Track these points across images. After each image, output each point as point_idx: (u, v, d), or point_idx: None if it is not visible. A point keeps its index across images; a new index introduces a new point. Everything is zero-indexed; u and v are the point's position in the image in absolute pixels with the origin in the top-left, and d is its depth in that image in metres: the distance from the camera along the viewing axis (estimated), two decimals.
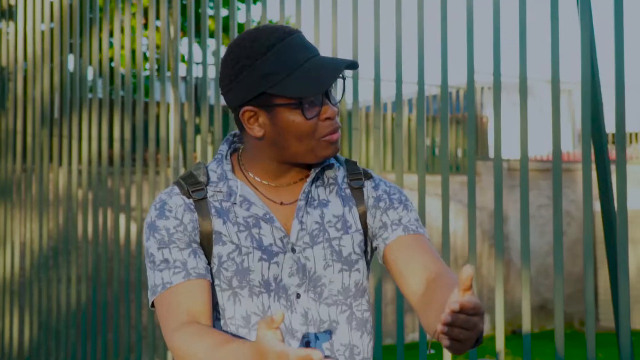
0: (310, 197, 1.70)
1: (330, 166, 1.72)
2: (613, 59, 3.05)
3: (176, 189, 1.68)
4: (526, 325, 2.99)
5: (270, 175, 1.69)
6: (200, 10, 9.33)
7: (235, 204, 1.66)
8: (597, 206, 10.88)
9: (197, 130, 7.55)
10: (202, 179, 1.68)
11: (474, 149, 3.19)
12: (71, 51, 5.09)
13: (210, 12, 10.63)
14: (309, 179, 1.69)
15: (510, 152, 16.06)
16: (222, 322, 1.66)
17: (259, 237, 1.65)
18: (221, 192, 1.67)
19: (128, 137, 4.50)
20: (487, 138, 12.12)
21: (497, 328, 3.08)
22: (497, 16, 3.08)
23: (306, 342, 1.66)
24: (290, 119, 1.60)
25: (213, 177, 1.69)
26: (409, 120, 10.49)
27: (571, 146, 16.43)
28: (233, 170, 1.71)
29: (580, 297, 10.85)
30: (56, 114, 4.94)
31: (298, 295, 1.66)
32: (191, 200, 1.66)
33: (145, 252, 1.68)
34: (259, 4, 9.23)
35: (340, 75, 1.63)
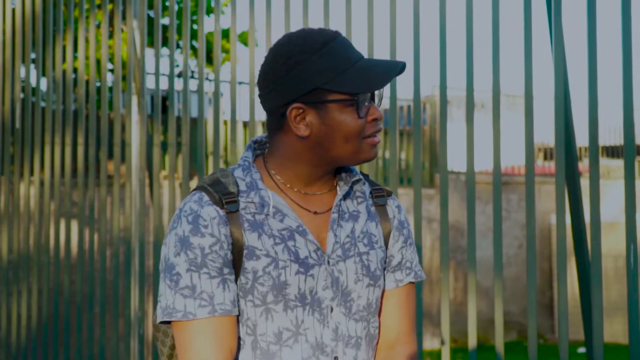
0: (341, 209, 1.68)
1: (358, 180, 1.71)
2: (585, 73, 3.10)
3: (206, 198, 1.60)
4: (499, 340, 3.00)
5: (301, 182, 1.65)
6: (163, 21, 9.29)
7: (268, 215, 1.61)
8: (553, 219, 11.00)
9: (164, 144, 7.48)
10: (233, 188, 1.61)
11: (445, 164, 3.19)
12: (33, 62, 5.00)
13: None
14: (340, 192, 1.67)
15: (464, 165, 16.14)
16: (252, 338, 1.61)
17: (295, 250, 1.61)
18: (253, 203, 1.61)
19: (91, 149, 4.43)
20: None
21: (469, 342, 3.08)
22: (470, 32, 3.10)
23: (335, 358, 1.63)
24: (341, 118, 1.58)
25: (242, 185, 1.63)
26: None
27: None
28: (262, 178, 1.65)
29: (537, 310, 10.96)
30: (18, 124, 4.85)
31: (331, 309, 1.63)
32: (224, 212, 1.59)
33: (165, 263, 1.59)
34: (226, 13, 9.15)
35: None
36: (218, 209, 1.59)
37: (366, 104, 1.60)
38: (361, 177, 1.71)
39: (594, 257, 2.77)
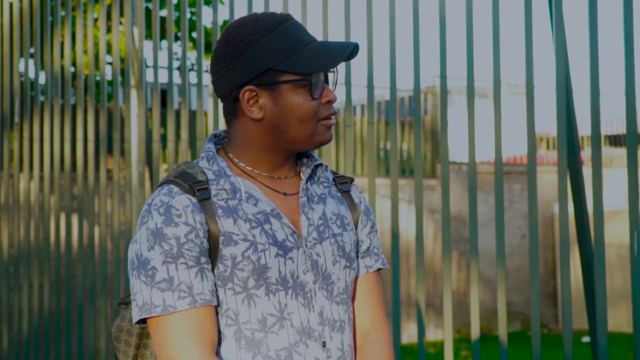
0: (310, 193, 1.67)
1: (320, 164, 1.71)
2: (587, 63, 3.10)
3: (176, 189, 1.57)
4: (502, 331, 2.98)
5: (264, 167, 1.64)
6: (161, 13, 9.25)
7: (242, 200, 1.59)
8: (555, 208, 11.00)
9: (164, 137, 7.47)
10: (201, 177, 1.58)
11: (446, 154, 3.18)
12: (32, 56, 4.98)
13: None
14: (304, 176, 1.66)
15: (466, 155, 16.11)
16: (234, 328, 1.57)
17: (272, 233, 1.59)
18: (224, 189, 1.59)
19: (91, 143, 4.42)
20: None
21: (472, 333, 3.07)
22: (471, 22, 3.08)
23: (323, 343, 1.61)
24: (294, 99, 1.57)
25: (210, 175, 1.60)
26: (362, 123, 10.33)
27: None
28: (228, 166, 1.63)
29: (540, 299, 10.95)
30: (17, 118, 4.83)
31: (315, 293, 1.62)
32: (196, 200, 1.56)
33: (138, 260, 1.54)
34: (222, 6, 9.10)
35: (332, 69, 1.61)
36: (190, 197, 1.56)
37: (320, 85, 1.59)
38: (323, 162, 1.72)
39: (597, 246, 2.75)
